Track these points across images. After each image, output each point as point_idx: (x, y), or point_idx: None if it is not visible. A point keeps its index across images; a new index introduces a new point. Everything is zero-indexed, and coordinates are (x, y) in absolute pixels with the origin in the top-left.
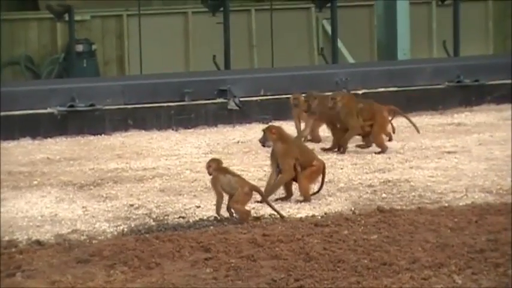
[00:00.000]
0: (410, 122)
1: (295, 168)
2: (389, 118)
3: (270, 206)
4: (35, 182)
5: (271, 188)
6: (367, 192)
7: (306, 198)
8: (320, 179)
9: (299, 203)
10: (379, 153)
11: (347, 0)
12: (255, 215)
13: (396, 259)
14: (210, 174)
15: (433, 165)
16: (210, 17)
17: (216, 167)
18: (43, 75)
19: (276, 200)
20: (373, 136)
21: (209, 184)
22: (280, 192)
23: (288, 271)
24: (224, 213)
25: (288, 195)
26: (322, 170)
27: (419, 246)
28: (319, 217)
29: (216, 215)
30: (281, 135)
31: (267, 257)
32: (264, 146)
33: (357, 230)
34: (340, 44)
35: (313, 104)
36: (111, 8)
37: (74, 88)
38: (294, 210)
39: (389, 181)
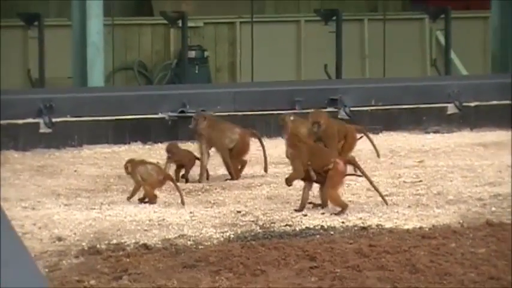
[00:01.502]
0: (263, 151)
1: (308, 172)
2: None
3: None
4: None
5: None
6: (476, 206)
7: (341, 207)
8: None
9: (344, 214)
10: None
11: (461, 12)
12: (362, 225)
13: (504, 274)
14: (128, 174)
15: None
16: (323, 25)
17: (133, 163)
18: (155, 80)
19: (313, 206)
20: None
21: (317, 193)
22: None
23: (393, 282)
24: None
25: (323, 204)
26: (343, 171)
27: None
28: (427, 229)
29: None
30: (295, 139)
31: (373, 268)
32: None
33: (465, 243)
34: (453, 56)
35: (201, 124)
36: (224, 15)
37: (185, 94)
38: (401, 221)
39: (499, 195)
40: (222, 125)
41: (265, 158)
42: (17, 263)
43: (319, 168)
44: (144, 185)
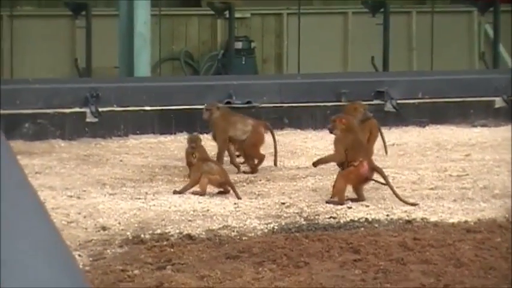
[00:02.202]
0: (274, 143)
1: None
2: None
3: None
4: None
5: (317, 161)
6: None
7: (339, 199)
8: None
9: (352, 203)
10: (248, 172)
11: (510, 5)
12: (406, 218)
13: None
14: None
15: None
16: (370, 17)
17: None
18: (201, 71)
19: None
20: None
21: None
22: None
23: (437, 276)
24: None
25: (359, 199)
26: (366, 174)
27: None
28: (472, 223)
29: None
30: (349, 127)
31: (417, 261)
32: (331, 133)
33: (510, 238)
34: (501, 49)
35: (215, 114)
36: (272, 6)
37: (232, 85)
38: (446, 215)
39: None
40: (234, 116)
41: (276, 151)
42: (52, 258)
43: (348, 159)
44: (204, 179)
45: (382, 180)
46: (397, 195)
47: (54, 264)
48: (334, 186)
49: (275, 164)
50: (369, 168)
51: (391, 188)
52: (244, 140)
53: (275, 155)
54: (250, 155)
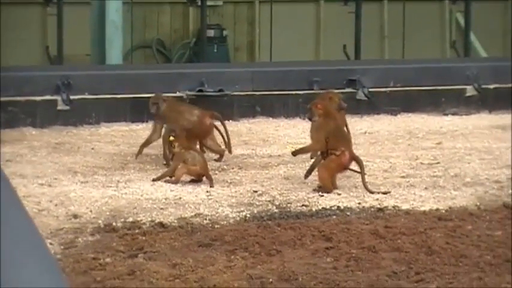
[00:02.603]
0: (226, 132)
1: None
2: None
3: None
4: (162, 164)
5: (297, 150)
6: (493, 188)
7: (324, 187)
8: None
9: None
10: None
11: None
12: (378, 206)
13: None
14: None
15: None
16: (342, 6)
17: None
18: (174, 59)
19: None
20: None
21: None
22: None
23: (409, 264)
24: None
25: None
26: (346, 163)
27: None
28: (443, 211)
29: None
30: (327, 113)
31: (389, 249)
32: (310, 120)
33: (481, 226)
34: (472, 38)
35: (162, 106)
36: None
37: (204, 73)
38: (418, 203)
39: None
40: (181, 107)
41: (229, 139)
42: (29, 251)
43: (329, 147)
44: (182, 168)
45: (357, 169)
46: (366, 187)
47: (33, 255)
48: (319, 176)
49: (229, 151)
50: (349, 158)
51: (363, 179)
52: (190, 129)
53: (228, 143)
54: (202, 144)
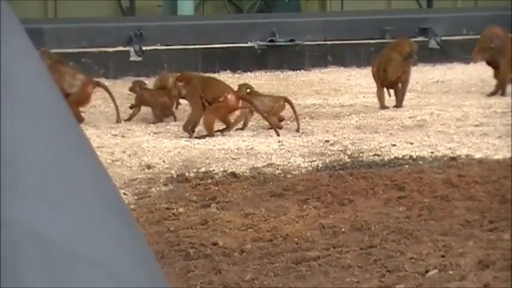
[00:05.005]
0: (112, 99)
1: (203, 104)
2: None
3: None
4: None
5: (184, 127)
6: None
7: (208, 132)
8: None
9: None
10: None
11: None
12: (451, 155)
13: None
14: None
15: None
16: None
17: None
18: (245, 9)
19: (216, 131)
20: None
21: (406, 122)
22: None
23: (482, 213)
24: None
25: (227, 127)
26: (234, 105)
27: None
28: None
29: None
30: (188, 79)
31: (462, 198)
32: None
33: None
34: None
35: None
36: None
37: (275, 23)
38: (491, 151)
39: None
40: (64, 68)
41: (116, 106)
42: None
43: (211, 99)
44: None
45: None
46: (270, 123)
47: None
48: (204, 120)
49: (118, 121)
50: (236, 99)
51: (264, 116)
52: (69, 94)
53: (117, 111)
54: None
